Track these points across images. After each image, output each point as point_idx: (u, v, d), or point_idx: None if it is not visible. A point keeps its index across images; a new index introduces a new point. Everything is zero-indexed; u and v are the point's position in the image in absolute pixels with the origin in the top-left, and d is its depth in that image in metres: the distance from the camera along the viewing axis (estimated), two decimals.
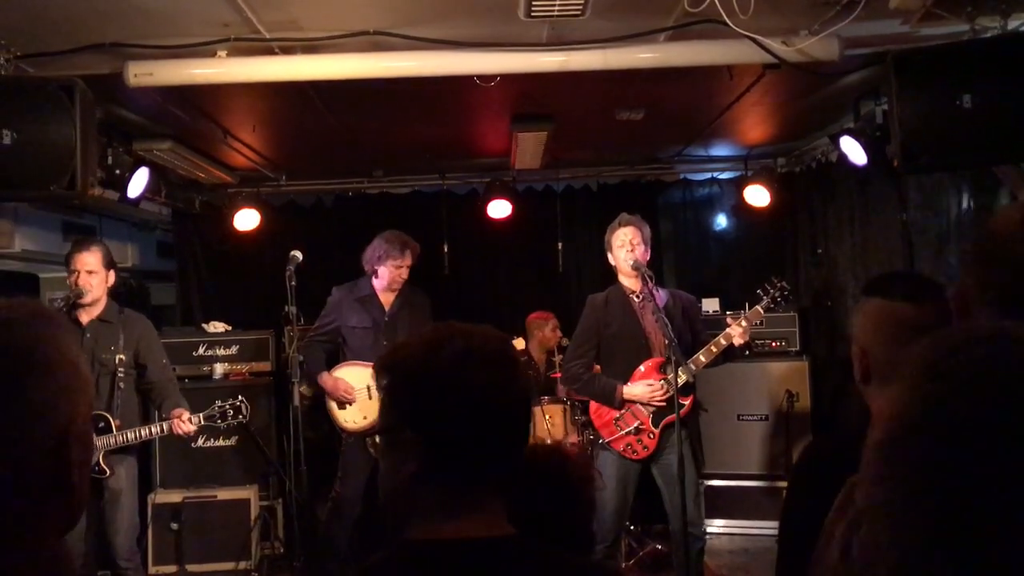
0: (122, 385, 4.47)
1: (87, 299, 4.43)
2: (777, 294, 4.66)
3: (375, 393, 5.09)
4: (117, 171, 4.66)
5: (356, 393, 5.16)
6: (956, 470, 0.71)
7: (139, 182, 4.90)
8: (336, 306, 5.34)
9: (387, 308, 5.33)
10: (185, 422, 4.48)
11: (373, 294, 5.33)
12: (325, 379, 5.09)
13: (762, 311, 4.67)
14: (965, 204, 4.81)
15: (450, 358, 1.36)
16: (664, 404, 4.49)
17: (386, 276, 5.27)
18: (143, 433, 4.46)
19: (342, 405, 5.17)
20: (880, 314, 1.79)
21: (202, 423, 4.58)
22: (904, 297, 1.78)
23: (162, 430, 4.51)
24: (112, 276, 4.58)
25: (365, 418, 5.17)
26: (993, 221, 1.43)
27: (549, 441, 5.41)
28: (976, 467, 0.70)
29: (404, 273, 5.28)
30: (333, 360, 5.35)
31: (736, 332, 4.48)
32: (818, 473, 1.73)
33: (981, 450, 0.71)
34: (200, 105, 4.81)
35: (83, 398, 1.07)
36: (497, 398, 1.35)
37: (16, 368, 1.00)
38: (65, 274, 4.58)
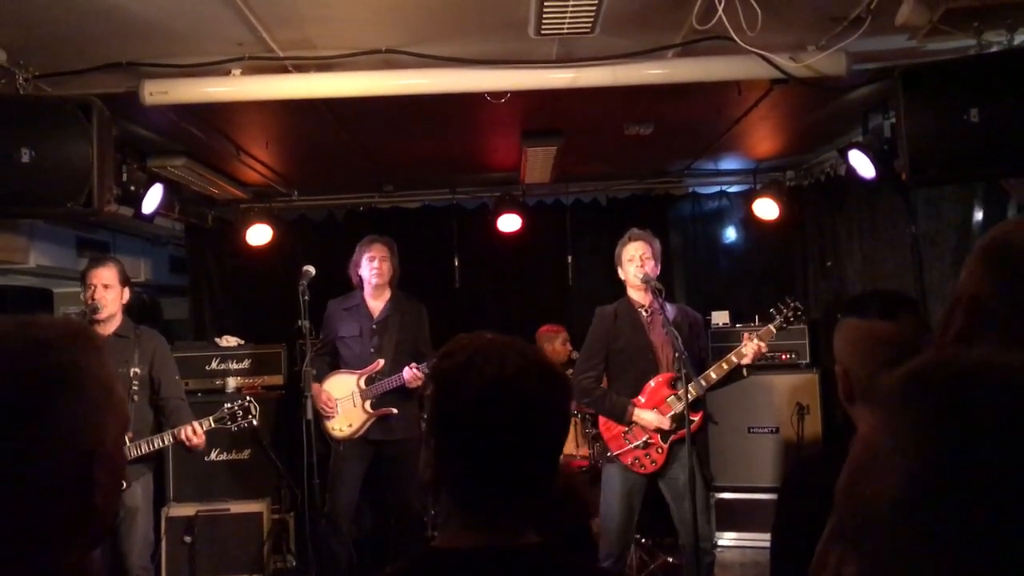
0: (136, 398, 4.51)
1: (102, 314, 4.47)
2: (790, 314, 4.67)
3: (359, 400, 5.16)
4: (132, 187, 4.71)
5: (340, 402, 5.20)
6: (1000, 523, 0.68)
7: (153, 198, 4.96)
8: (329, 319, 5.41)
9: (375, 315, 5.35)
10: (190, 434, 4.45)
11: (362, 302, 5.37)
12: (314, 389, 5.11)
13: (774, 330, 4.68)
14: (973, 217, 4.82)
15: (484, 383, 1.37)
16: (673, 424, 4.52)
17: (366, 273, 5.30)
18: (156, 443, 4.48)
19: (328, 415, 5.21)
20: (857, 333, 1.80)
21: (212, 426, 4.59)
22: (879, 315, 1.79)
23: (174, 438, 4.52)
24: (127, 293, 4.62)
25: (350, 425, 5.21)
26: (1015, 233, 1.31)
27: None
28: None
29: (380, 264, 5.26)
30: None
31: (749, 352, 4.49)
32: (806, 493, 1.74)
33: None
34: (214, 122, 4.86)
35: (113, 422, 1.10)
36: (506, 416, 1.35)
37: (47, 388, 1.03)
38: (79, 289, 4.61)
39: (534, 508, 1.41)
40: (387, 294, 5.38)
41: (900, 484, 0.73)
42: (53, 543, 1.03)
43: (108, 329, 4.54)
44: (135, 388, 4.51)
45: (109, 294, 4.50)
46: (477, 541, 1.36)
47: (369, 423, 5.20)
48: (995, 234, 1.34)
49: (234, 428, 4.69)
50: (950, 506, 0.70)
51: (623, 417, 4.59)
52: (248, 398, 4.75)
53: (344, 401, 5.21)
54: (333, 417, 5.21)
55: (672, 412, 4.54)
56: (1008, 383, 0.73)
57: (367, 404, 5.18)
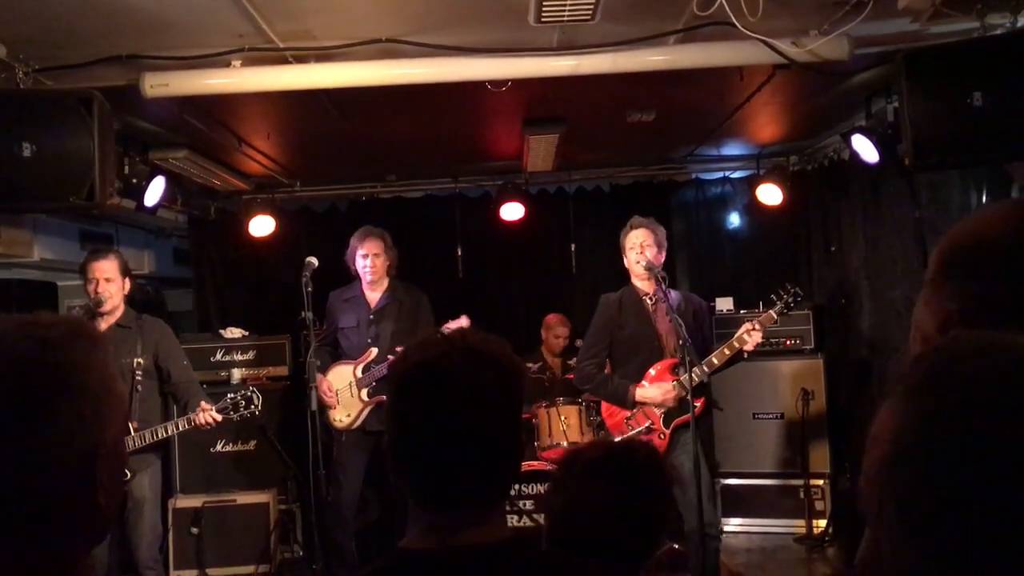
0: (140, 388, 4.51)
1: (107, 307, 4.48)
2: (790, 299, 4.68)
3: (355, 389, 5.17)
4: (134, 180, 4.71)
5: (339, 391, 5.22)
6: (953, 486, 0.72)
7: (156, 191, 4.96)
8: (330, 310, 5.44)
9: (372, 306, 5.36)
10: (208, 411, 4.49)
11: (360, 293, 5.39)
12: (318, 380, 5.14)
13: (775, 316, 4.68)
14: (977, 201, 4.80)
15: (407, 369, 1.37)
16: (676, 405, 4.52)
17: (359, 268, 5.33)
18: (160, 433, 4.47)
19: (329, 405, 5.23)
20: None
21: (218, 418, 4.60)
22: None
23: (178, 427, 4.52)
24: (128, 284, 4.63)
25: (349, 415, 5.23)
26: (978, 227, 1.28)
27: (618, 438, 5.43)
28: (972, 482, 0.72)
29: (373, 261, 5.26)
30: None
31: (749, 338, 4.49)
32: None
33: (975, 465, 0.72)
34: (215, 114, 4.86)
35: (114, 421, 1.10)
36: (426, 398, 1.34)
37: (48, 389, 1.03)
38: (82, 282, 4.61)
39: (490, 504, 1.38)
40: (385, 284, 5.39)
41: (887, 447, 0.78)
42: (58, 541, 1.04)
43: (110, 320, 4.55)
44: (139, 378, 4.51)
45: (111, 287, 4.50)
46: (434, 541, 1.34)
47: (366, 412, 5.21)
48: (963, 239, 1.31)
49: (236, 417, 4.66)
50: (919, 466, 0.75)
51: (625, 400, 4.59)
52: (251, 388, 4.75)
53: (343, 391, 5.23)
54: (334, 407, 5.24)
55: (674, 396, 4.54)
56: (1000, 358, 0.78)
57: (363, 393, 5.20)
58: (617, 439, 4.60)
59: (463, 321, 5.21)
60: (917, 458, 0.75)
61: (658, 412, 4.59)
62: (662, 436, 4.57)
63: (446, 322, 5.14)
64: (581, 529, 1.98)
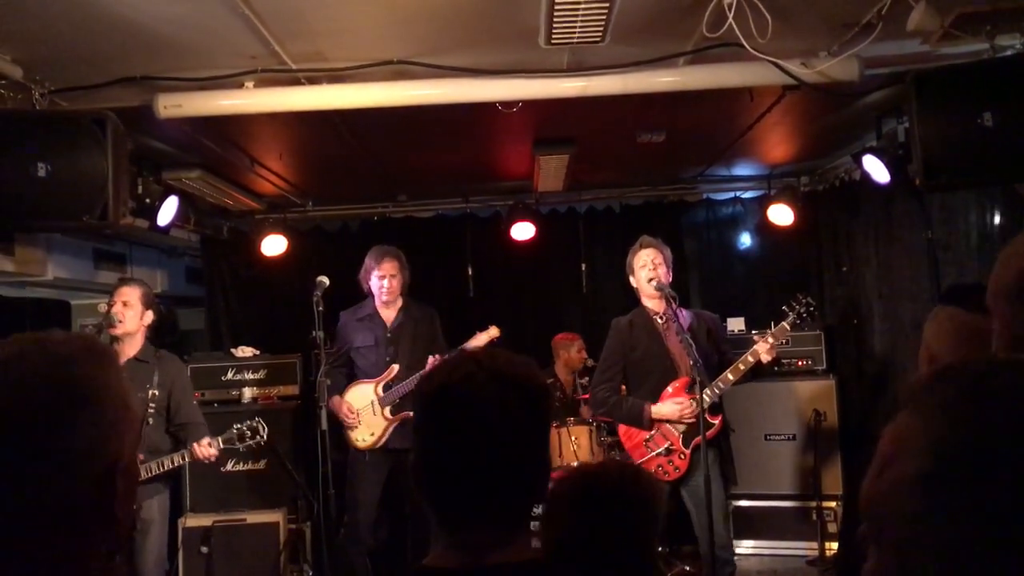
0: (151, 421, 4.52)
1: (117, 329, 4.50)
2: (802, 310, 4.67)
3: (378, 408, 5.17)
4: (147, 200, 4.74)
5: (361, 411, 5.21)
6: (1016, 501, 0.70)
7: (169, 211, 4.99)
8: (342, 329, 5.43)
9: (388, 324, 5.37)
10: (205, 446, 4.51)
11: (374, 312, 5.39)
12: (333, 401, 5.14)
13: (788, 327, 4.67)
14: (989, 221, 4.79)
15: (433, 389, 1.38)
16: (694, 422, 4.48)
17: (375, 288, 5.34)
18: (166, 464, 4.49)
19: (351, 425, 5.23)
20: (953, 322, 1.77)
21: (222, 447, 4.62)
22: (984, 309, 1.76)
23: (183, 458, 4.54)
24: (149, 315, 4.64)
25: (372, 434, 5.22)
26: None
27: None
28: None
29: (390, 282, 5.29)
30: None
31: (763, 349, 4.48)
32: None
33: None
34: (228, 135, 4.90)
35: (130, 434, 1.12)
36: (451, 419, 1.35)
37: (70, 405, 1.05)
38: (96, 301, 4.63)
39: (515, 524, 1.38)
40: (399, 303, 5.41)
41: (925, 461, 0.76)
42: (79, 553, 1.06)
43: (128, 352, 4.55)
44: (151, 410, 4.52)
45: (128, 311, 4.53)
46: (458, 560, 1.33)
47: (390, 430, 5.21)
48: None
49: (242, 448, 4.71)
50: (972, 479, 0.73)
51: (641, 419, 4.57)
52: (257, 418, 4.77)
53: (364, 410, 5.23)
54: (356, 427, 5.22)
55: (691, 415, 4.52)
56: None
57: (386, 411, 5.20)
58: (638, 461, 4.59)
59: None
60: (967, 473, 0.73)
61: (676, 432, 4.56)
62: (682, 456, 4.55)
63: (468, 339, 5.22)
64: (579, 558, 1.99)
